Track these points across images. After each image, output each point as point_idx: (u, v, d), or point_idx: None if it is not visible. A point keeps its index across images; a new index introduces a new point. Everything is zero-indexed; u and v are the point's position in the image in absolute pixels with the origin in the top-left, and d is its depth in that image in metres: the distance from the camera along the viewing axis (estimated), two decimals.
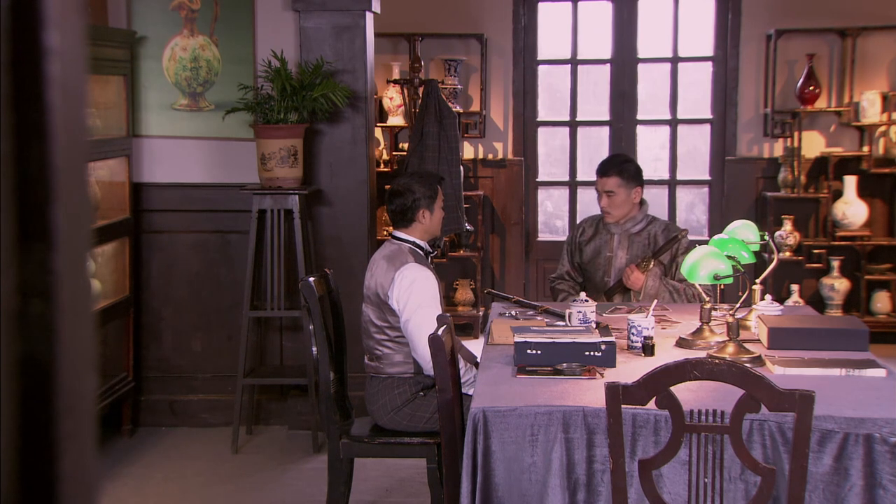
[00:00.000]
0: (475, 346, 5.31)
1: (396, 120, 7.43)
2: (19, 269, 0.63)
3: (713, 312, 3.86)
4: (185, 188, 5.62)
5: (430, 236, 4.12)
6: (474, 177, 7.66)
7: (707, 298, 3.89)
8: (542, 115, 7.79)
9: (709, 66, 7.61)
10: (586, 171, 7.82)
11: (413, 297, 3.87)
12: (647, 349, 3.60)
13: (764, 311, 4.10)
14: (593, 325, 3.78)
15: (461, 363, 3.91)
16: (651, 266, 4.58)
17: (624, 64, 7.67)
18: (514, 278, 7.78)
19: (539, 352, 3.42)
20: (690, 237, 5.94)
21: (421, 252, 4.05)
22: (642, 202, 4.80)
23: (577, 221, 4.91)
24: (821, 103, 7.33)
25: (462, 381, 3.80)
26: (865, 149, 7.33)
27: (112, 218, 5.37)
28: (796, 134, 7.30)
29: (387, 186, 6.94)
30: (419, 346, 3.81)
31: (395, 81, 7.29)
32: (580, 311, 3.90)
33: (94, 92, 5.18)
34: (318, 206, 5.54)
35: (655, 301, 4.12)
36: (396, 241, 4.07)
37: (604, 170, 4.74)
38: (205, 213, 5.63)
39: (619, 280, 4.66)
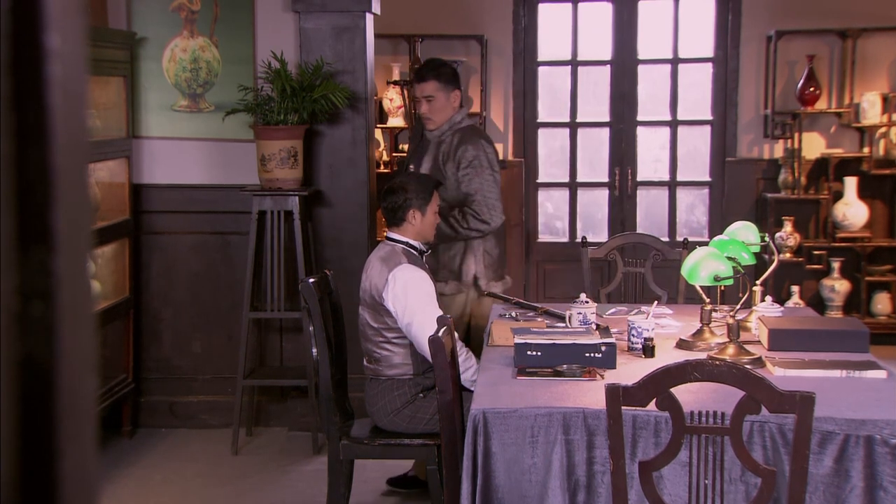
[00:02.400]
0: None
1: (396, 121, 7.43)
2: (20, 270, 0.63)
3: (714, 314, 3.86)
4: (184, 189, 5.63)
5: (422, 239, 4.11)
6: None
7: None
8: (543, 117, 7.79)
9: (709, 67, 7.61)
10: (587, 173, 7.83)
11: (410, 298, 3.87)
12: (648, 350, 3.60)
13: (764, 312, 4.10)
14: (593, 327, 3.78)
15: (461, 348, 3.92)
16: None
17: (624, 65, 7.67)
18: (515, 279, 7.76)
19: (539, 353, 3.42)
20: (691, 239, 5.94)
21: (415, 252, 4.05)
22: (462, 107, 4.72)
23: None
24: (821, 104, 7.33)
25: (462, 368, 3.81)
26: (866, 150, 7.33)
27: (112, 219, 5.37)
28: (796, 135, 7.30)
29: (388, 189, 6.96)
30: (424, 346, 3.81)
31: (395, 82, 7.30)
32: (580, 313, 3.90)
33: (94, 93, 5.18)
34: (317, 208, 5.54)
35: (656, 302, 4.12)
36: (390, 243, 4.07)
37: (421, 75, 4.63)
38: (205, 215, 5.63)
39: None
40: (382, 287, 3.91)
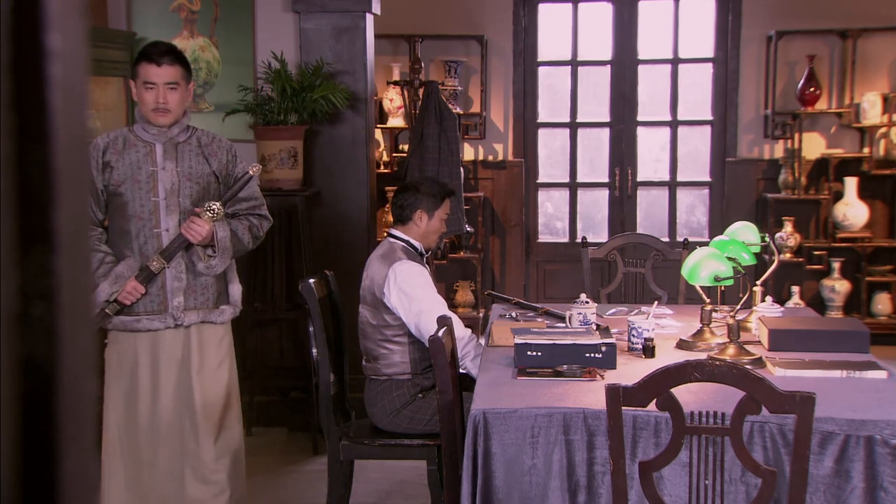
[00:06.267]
0: None
1: (396, 121, 7.43)
2: (21, 270, 0.63)
3: (714, 314, 3.86)
4: None
5: (424, 243, 4.11)
6: (474, 178, 7.67)
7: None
8: (543, 117, 7.79)
9: (709, 67, 7.62)
10: (587, 173, 7.83)
11: (413, 293, 3.88)
12: (648, 351, 3.60)
13: (764, 312, 4.10)
14: (594, 327, 3.78)
15: (464, 332, 3.91)
16: (222, 214, 3.66)
17: (624, 65, 7.67)
18: (515, 280, 7.78)
19: (539, 353, 3.42)
20: (691, 239, 5.94)
21: (413, 251, 4.06)
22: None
23: (97, 141, 3.71)
24: (821, 105, 7.33)
25: (461, 353, 3.81)
26: (866, 150, 7.33)
27: None
28: (797, 135, 7.30)
29: (387, 188, 6.98)
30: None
31: (395, 83, 7.30)
32: (580, 313, 3.90)
33: (94, 93, 5.18)
34: (318, 208, 5.53)
35: (656, 302, 4.12)
36: (391, 239, 4.08)
37: (158, 58, 3.66)
38: None
39: (179, 238, 3.66)
40: (383, 283, 3.91)
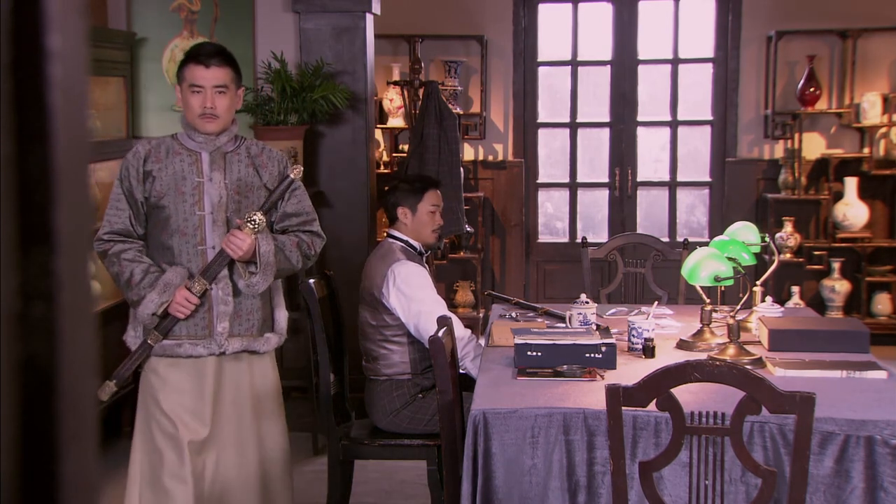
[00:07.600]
0: None
1: (396, 121, 7.43)
2: (20, 271, 0.63)
3: (714, 314, 3.86)
4: None
5: (420, 240, 4.10)
6: (474, 178, 7.67)
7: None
8: (543, 117, 7.79)
9: (709, 67, 7.62)
10: (587, 173, 7.83)
11: (412, 293, 3.88)
12: (648, 351, 3.60)
13: (765, 312, 4.10)
14: (594, 327, 3.78)
15: (464, 332, 3.92)
16: (264, 224, 3.32)
17: (624, 65, 7.67)
18: (515, 280, 7.78)
19: (539, 353, 3.42)
20: (692, 239, 5.94)
21: (412, 251, 4.06)
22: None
23: (138, 148, 3.41)
24: (821, 105, 7.33)
25: (460, 353, 3.81)
26: (866, 150, 7.33)
27: None
28: (797, 135, 7.30)
29: (387, 188, 6.97)
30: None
31: (395, 83, 7.30)
32: (581, 313, 3.90)
33: (94, 93, 5.18)
34: (318, 208, 5.51)
35: (656, 303, 4.12)
36: (389, 240, 4.09)
37: (208, 55, 3.36)
38: None
39: (221, 255, 3.32)
40: (381, 284, 3.91)
